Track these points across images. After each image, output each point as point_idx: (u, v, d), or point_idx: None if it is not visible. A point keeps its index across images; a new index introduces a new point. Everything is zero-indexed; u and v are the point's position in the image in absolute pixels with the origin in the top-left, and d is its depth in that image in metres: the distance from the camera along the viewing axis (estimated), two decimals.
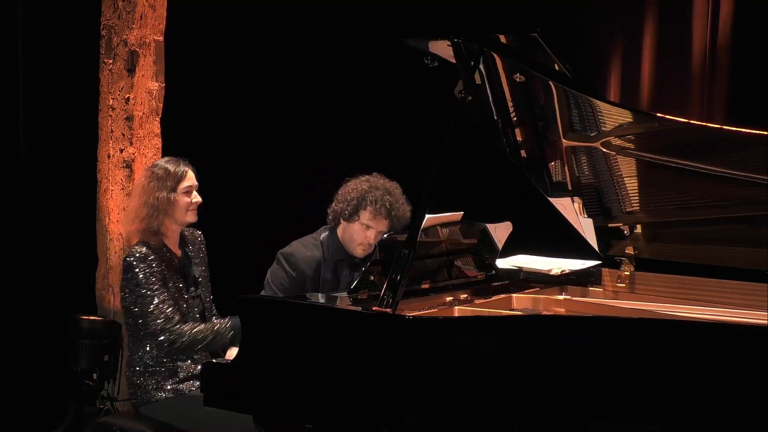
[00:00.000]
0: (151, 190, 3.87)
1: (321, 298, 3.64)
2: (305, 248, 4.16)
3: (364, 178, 4.17)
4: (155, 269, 3.81)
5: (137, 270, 3.79)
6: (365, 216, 4.09)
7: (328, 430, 3.35)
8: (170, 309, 3.79)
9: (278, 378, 3.38)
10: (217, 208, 5.19)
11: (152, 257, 3.81)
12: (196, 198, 3.95)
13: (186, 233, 4.04)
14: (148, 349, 3.82)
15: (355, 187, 4.14)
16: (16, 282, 5.25)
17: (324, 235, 4.20)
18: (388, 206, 4.07)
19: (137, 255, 3.80)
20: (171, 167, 3.92)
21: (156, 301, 3.78)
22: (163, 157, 4.05)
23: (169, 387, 3.81)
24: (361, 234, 4.10)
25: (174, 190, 3.88)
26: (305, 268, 4.09)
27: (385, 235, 3.64)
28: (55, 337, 5.00)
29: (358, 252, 4.13)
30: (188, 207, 3.92)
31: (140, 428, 3.80)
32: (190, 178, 3.94)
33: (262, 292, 4.11)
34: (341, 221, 4.15)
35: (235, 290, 3.85)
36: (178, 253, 3.96)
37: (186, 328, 3.80)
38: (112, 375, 4.81)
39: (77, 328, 4.73)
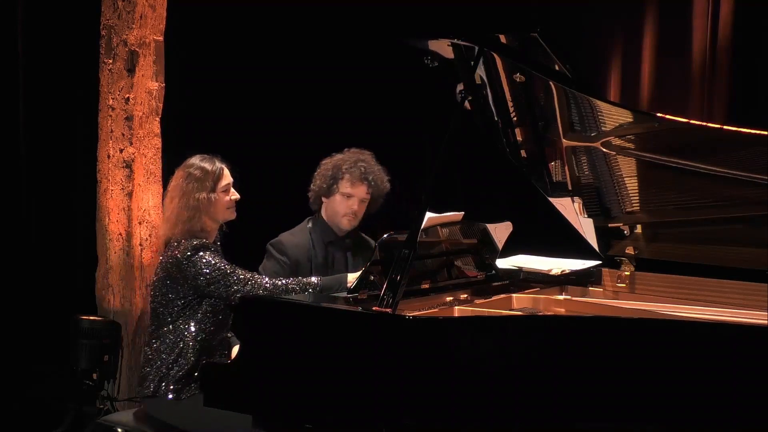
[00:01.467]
0: (190, 191, 3.83)
1: (321, 299, 3.64)
2: (293, 235, 4.19)
3: (336, 154, 4.22)
4: (217, 251, 3.82)
5: (202, 254, 3.75)
6: (344, 185, 4.13)
7: (328, 430, 3.35)
8: (247, 272, 3.78)
9: (278, 378, 3.39)
10: None
11: (210, 245, 3.81)
12: (235, 195, 3.93)
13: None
14: (204, 325, 3.81)
15: (327, 161, 4.20)
16: (17, 282, 5.25)
17: (310, 222, 4.24)
18: (363, 170, 4.13)
19: (195, 243, 3.76)
20: (207, 166, 3.88)
21: (232, 269, 3.76)
22: (198, 155, 3.96)
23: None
24: (344, 204, 4.14)
25: (213, 190, 3.85)
26: (296, 253, 4.12)
27: (385, 235, 3.65)
28: (55, 337, 5.00)
29: (344, 223, 4.16)
30: (228, 205, 3.91)
31: (140, 428, 3.80)
32: (227, 176, 3.92)
33: None
34: (322, 199, 4.19)
35: None
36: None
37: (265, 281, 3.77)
38: (112, 375, 4.81)
39: (77, 328, 4.73)
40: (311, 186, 4.23)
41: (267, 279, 3.79)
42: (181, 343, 3.77)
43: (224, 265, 3.76)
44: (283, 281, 3.79)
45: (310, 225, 4.24)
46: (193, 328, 3.79)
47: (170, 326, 3.80)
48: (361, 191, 4.14)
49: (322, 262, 4.16)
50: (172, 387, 3.75)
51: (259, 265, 4.16)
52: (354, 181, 4.13)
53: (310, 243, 4.17)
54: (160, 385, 3.76)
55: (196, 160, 3.92)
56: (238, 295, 3.69)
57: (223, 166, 3.92)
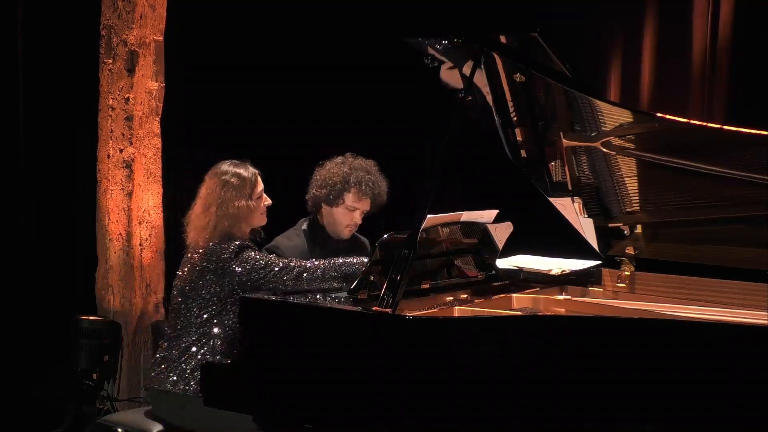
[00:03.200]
0: (229, 199, 3.79)
1: (321, 298, 3.64)
2: (288, 239, 4.18)
3: (339, 160, 4.18)
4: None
5: (247, 252, 3.73)
6: (350, 198, 4.11)
7: (328, 430, 3.35)
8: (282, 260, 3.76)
9: (278, 378, 3.39)
10: None
11: (250, 243, 3.82)
12: (268, 201, 3.93)
13: None
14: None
15: (334, 171, 4.15)
16: (17, 282, 5.25)
17: (305, 225, 4.23)
18: (371, 185, 4.12)
19: (238, 243, 3.75)
20: (243, 173, 3.85)
21: (273, 258, 3.75)
22: (227, 161, 3.92)
23: None
24: (347, 216, 4.13)
25: (251, 197, 3.84)
26: (293, 256, 4.09)
27: (385, 236, 3.65)
28: (55, 337, 5.01)
29: (346, 234, 4.17)
30: (262, 211, 3.91)
31: (140, 428, 3.80)
32: (260, 181, 3.90)
33: None
34: (323, 206, 4.17)
35: None
36: None
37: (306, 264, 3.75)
38: (112, 375, 4.81)
39: (77, 328, 4.74)
40: (311, 190, 4.18)
41: (306, 263, 3.74)
42: (209, 342, 3.76)
43: (270, 258, 3.75)
44: (320, 264, 3.74)
45: (305, 227, 4.23)
46: (219, 329, 3.77)
47: (199, 328, 3.77)
48: (366, 205, 4.14)
49: None
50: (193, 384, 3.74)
51: None
52: (362, 196, 4.11)
53: (306, 246, 4.16)
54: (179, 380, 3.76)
55: (229, 167, 3.88)
56: (287, 281, 3.68)
57: (257, 171, 3.90)
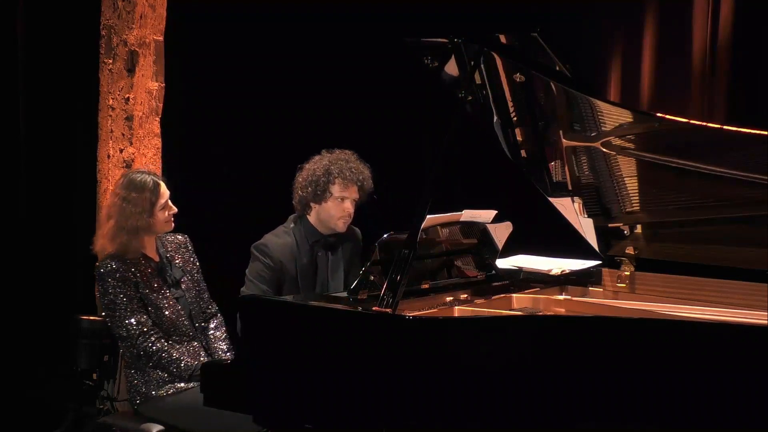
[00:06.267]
0: (128, 215, 3.85)
1: (321, 298, 3.64)
2: (277, 237, 4.19)
3: (317, 158, 4.21)
4: (127, 282, 3.84)
5: (109, 282, 3.83)
6: (336, 189, 4.12)
7: (328, 431, 3.35)
8: (146, 326, 3.84)
9: (278, 378, 3.39)
10: (218, 208, 5.18)
11: (123, 269, 3.84)
12: (173, 209, 3.95)
13: (165, 237, 4.04)
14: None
15: (314, 167, 4.17)
16: (16, 282, 5.24)
17: (293, 223, 4.23)
18: (354, 171, 4.13)
19: (108, 269, 3.84)
20: (146, 183, 3.89)
21: (130, 316, 3.84)
22: (135, 170, 4.07)
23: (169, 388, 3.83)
24: (339, 207, 4.14)
25: (152, 213, 3.88)
26: (280, 255, 4.11)
27: (384, 236, 3.65)
28: (55, 337, 5.00)
29: (341, 226, 4.17)
30: (166, 220, 3.93)
31: (140, 428, 3.80)
32: (165, 193, 3.93)
33: (243, 289, 4.11)
34: (312, 205, 4.18)
35: (236, 290, 3.86)
36: (156, 257, 3.98)
37: (162, 347, 3.84)
38: (112, 375, 4.80)
39: (77, 328, 4.72)
40: (296, 193, 4.20)
41: (148, 342, 3.85)
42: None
43: (122, 312, 3.86)
44: (165, 353, 3.84)
45: (293, 225, 4.23)
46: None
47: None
48: (353, 192, 4.15)
49: (307, 263, 4.16)
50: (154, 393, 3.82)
51: (245, 268, 4.17)
52: (347, 183, 4.12)
53: (294, 244, 4.17)
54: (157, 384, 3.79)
55: (134, 176, 3.94)
56: (123, 343, 3.90)
57: (160, 181, 3.93)
